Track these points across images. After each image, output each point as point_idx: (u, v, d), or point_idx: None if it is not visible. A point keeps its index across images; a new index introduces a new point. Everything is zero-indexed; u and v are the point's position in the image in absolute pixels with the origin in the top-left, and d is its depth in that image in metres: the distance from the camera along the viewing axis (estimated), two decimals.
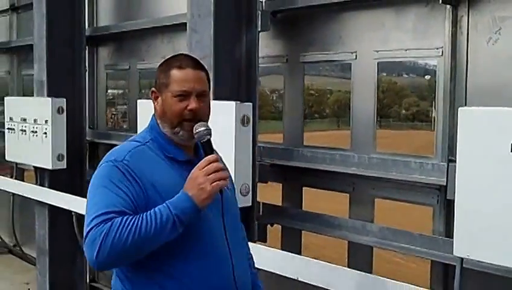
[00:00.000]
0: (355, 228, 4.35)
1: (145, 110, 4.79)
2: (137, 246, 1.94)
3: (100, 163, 2.16)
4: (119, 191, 2.02)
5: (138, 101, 4.90)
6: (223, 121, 4.08)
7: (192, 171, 2.08)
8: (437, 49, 3.89)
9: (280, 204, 4.97)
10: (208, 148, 2.15)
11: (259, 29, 4.56)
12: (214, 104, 4.11)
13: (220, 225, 2.19)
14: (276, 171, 4.79)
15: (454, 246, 2.95)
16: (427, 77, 4.17)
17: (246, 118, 4.09)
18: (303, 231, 4.81)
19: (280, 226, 4.92)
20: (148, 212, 1.98)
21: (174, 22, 5.54)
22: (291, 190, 4.92)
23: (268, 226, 4.83)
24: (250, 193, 4.22)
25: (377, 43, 4.21)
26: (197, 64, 2.25)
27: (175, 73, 2.18)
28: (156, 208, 1.99)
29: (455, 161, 3.74)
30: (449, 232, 3.91)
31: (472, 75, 3.74)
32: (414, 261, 4.49)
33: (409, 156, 4.11)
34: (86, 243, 1.97)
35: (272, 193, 5.05)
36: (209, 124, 4.21)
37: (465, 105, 3.76)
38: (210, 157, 2.09)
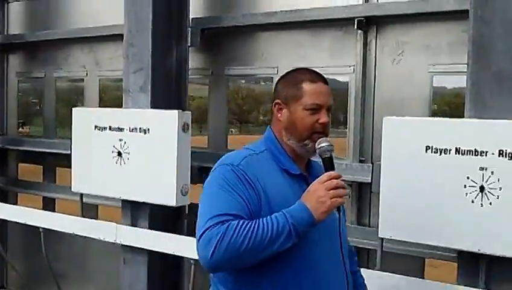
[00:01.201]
0: None
1: (80, 118, 5.12)
2: (251, 251, 1.93)
3: (215, 166, 2.16)
4: (234, 195, 2.02)
5: (74, 109, 5.16)
6: (166, 127, 4.53)
7: (313, 183, 2.07)
8: (349, 67, 4.61)
9: None
10: (329, 164, 2.15)
11: (189, 44, 5.05)
12: (157, 112, 4.62)
13: (337, 242, 2.24)
14: (202, 173, 5.26)
15: (379, 229, 3.65)
16: None
17: (186, 125, 4.55)
18: None
19: None
20: (264, 218, 1.98)
21: (100, 34, 5.84)
22: None
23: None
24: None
25: (297, 60, 4.86)
26: (324, 79, 2.26)
27: (309, 86, 2.19)
28: (273, 216, 1.99)
29: (365, 161, 4.52)
30: (360, 221, 4.66)
31: (379, 90, 4.50)
32: None
33: None
34: (200, 242, 1.96)
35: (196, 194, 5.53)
36: (152, 130, 4.66)
37: (373, 115, 4.52)
38: (332, 173, 2.08)
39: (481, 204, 3.29)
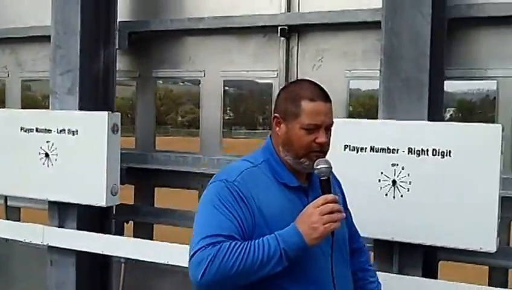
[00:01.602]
0: None
1: (5, 119, 5.11)
2: (242, 273, 1.92)
3: (211, 181, 2.14)
4: (228, 214, 2.00)
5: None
6: (95, 129, 4.64)
7: (308, 207, 2.04)
8: (273, 72, 4.90)
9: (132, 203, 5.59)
10: (326, 187, 2.10)
11: (117, 47, 5.17)
12: (86, 114, 4.71)
13: (328, 264, 2.19)
14: (129, 174, 5.39)
15: None
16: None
17: (115, 126, 4.68)
18: (163, 226, 5.49)
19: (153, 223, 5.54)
20: (256, 241, 1.96)
21: (23, 35, 5.82)
22: (144, 190, 5.56)
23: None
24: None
25: (224, 65, 5.10)
26: (326, 96, 2.19)
27: (308, 105, 2.12)
28: (265, 238, 1.96)
29: None
30: None
31: None
32: None
33: None
34: (191, 262, 1.95)
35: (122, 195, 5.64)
36: (81, 131, 4.73)
37: None
38: (328, 196, 2.04)
39: (393, 196, 3.67)
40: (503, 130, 3.54)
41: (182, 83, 5.71)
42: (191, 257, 1.96)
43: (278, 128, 2.20)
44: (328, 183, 2.11)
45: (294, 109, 2.14)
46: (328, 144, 2.17)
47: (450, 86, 4.62)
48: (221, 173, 2.16)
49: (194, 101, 5.41)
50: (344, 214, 2.06)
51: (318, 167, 2.12)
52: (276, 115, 2.21)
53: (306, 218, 2.00)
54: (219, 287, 1.97)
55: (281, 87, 4.80)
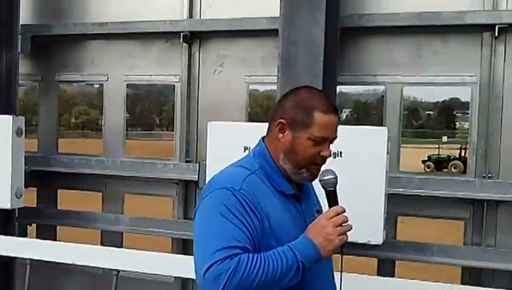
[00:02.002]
0: (109, 219, 5.22)
1: None
2: (261, 287, 1.86)
3: (209, 188, 2.02)
4: (239, 223, 1.91)
5: None
6: (0, 132, 4.58)
7: (319, 218, 2.01)
8: (175, 76, 5.03)
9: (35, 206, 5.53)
10: (334, 198, 2.06)
11: (19, 51, 5.11)
12: None
13: (329, 270, 2.19)
14: (32, 177, 5.33)
15: None
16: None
17: (19, 130, 4.63)
18: (65, 228, 5.46)
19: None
20: (272, 253, 1.90)
21: None
22: (47, 193, 5.52)
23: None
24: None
25: (127, 69, 5.17)
26: (336, 110, 2.10)
27: (321, 116, 2.04)
28: (280, 251, 1.91)
29: (191, 161, 4.96)
30: (186, 216, 5.09)
31: (203, 97, 4.99)
32: (159, 239, 5.52)
33: (155, 159, 5.17)
34: (207, 276, 1.84)
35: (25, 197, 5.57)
36: None
37: (197, 119, 4.99)
38: (339, 208, 2.01)
39: None
40: (389, 132, 3.87)
41: (75, 84, 5.68)
42: (207, 269, 1.83)
43: (281, 135, 2.08)
44: (335, 195, 2.07)
45: (306, 119, 2.04)
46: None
47: (345, 87, 4.93)
48: (221, 181, 2.02)
49: (87, 101, 5.43)
50: (352, 225, 2.02)
51: (325, 178, 2.07)
52: (282, 121, 2.07)
53: (320, 230, 1.96)
54: None
55: (183, 92, 5.07)
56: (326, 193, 2.06)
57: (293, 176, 2.09)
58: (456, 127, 5.30)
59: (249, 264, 1.83)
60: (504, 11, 4.20)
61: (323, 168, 2.08)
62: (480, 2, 4.27)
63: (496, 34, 4.15)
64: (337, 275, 2.20)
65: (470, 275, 4.33)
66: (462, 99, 4.65)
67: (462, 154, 5.15)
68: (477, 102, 4.29)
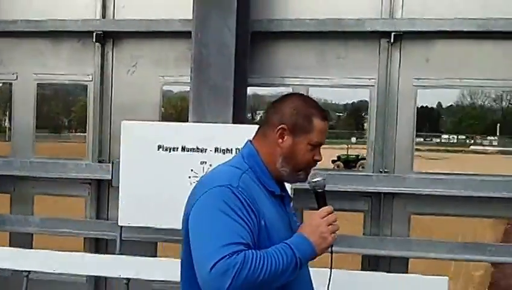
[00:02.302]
0: (19, 221, 5.15)
1: None
2: (266, 282, 1.92)
3: (204, 187, 2.04)
4: (240, 220, 1.95)
5: None
6: None
7: (312, 218, 2.10)
8: (88, 75, 5.06)
9: None
10: (323, 198, 2.18)
11: None
12: None
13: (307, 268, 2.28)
14: None
15: (119, 218, 4.20)
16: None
17: None
18: None
19: None
20: (272, 250, 1.97)
21: None
22: None
23: None
24: None
25: (37, 68, 5.13)
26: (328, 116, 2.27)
27: (319, 123, 2.17)
28: (280, 248, 1.98)
29: (104, 161, 5.01)
30: (99, 216, 5.13)
31: (116, 97, 5.05)
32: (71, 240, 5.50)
33: (66, 159, 5.17)
34: (214, 272, 1.86)
35: None
36: None
37: (110, 118, 5.05)
38: (330, 208, 2.12)
39: None
40: None
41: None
42: (213, 265, 1.86)
43: (281, 140, 2.15)
44: (324, 195, 2.20)
45: (307, 125, 2.15)
46: None
47: (259, 89, 5.14)
48: (218, 179, 2.06)
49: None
50: (338, 225, 2.14)
51: (315, 180, 2.19)
52: (283, 126, 2.14)
53: (315, 228, 2.07)
54: None
55: (96, 91, 5.09)
56: (315, 194, 2.18)
57: (288, 178, 2.20)
58: (365, 128, 5.54)
59: (254, 260, 1.87)
60: (399, 19, 4.58)
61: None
62: (378, 10, 4.62)
63: (392, 41, 4.51)
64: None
65: (369, 262, 4.67)
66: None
67: None
68: (375, 103, 4.64)
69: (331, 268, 2.24)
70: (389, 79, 4.59)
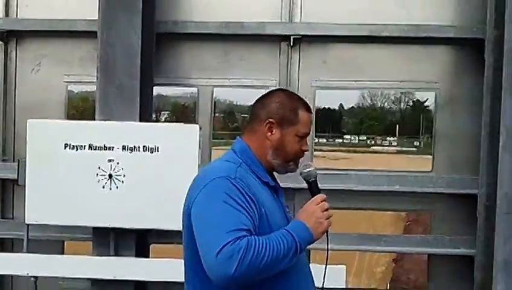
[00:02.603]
0: None
1: None
2: (269, 266, 2.01)
3: (203, 180, 2.12)
4: (241, 209, 2.04)
5: None
6: None
7: (308, 204, 2.19)
8: None
9: None
10: (316, 187, 2.27)
11: None
12: None
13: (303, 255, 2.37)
14: None
15: (25, 217, 4.21)
16: None
17: None
18: None
19: None
20: (274, 236, 2.07)
21: None
22: None
23: None
24: None
25: None
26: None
27: (304, 115, 2.31)
28: (280, 234, 2.08)
29: (8, 160, 4.96)
30: (4, 215, 5.06)
31: (20, 95, 5.01)
32: None
33: None
34: (220, 257, 1.93)
35: None
36: None
37: (15, 117, 5.01)
38: (322, 196, 2.22)
39: (110, 188, 4.16)
40: (200, 129, 4.31)
41: None
42: (219, 251, 1.94)
43: (270, 134, 2.29)
44: (317, 184, 2.30)
45: (294, 117, 2.29)
46: None
47: (164, 90, 5.23)
48: (215, 171, 2.17)
49: None
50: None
51: (307, 170, 2.30)
52: (271, 120, 2.28)
53: (310, 214, 2.17)
54: (250, 279, 2.01)
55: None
56: (308, 184, 2.29)
57: (279, 169, 2.30)
58: None
59: (258, 245, 1.95)
60: (298, 23, 4.85)
61: (301, 162, 2.31)
62: (279, 14, 4.88)
63: (292, 44, 4.79)
64: None
65: None
66: None
67: None
68: None
69: (327, 251, 2.36)
70: (289, 80, 4.85)
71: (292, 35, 4.76)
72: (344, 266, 3.91)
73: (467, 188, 4.68)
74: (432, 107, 5.30)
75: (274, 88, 4.87)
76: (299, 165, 2.30)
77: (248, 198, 2.07)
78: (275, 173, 2.32)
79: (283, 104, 2.30)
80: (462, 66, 4.62)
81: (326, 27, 4.77)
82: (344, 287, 3.98)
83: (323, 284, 2.34)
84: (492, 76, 4.18)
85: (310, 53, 4.88)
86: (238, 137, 2.36)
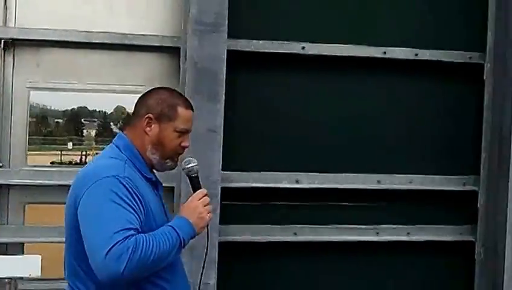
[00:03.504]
0: None
1: None
2: (155, 262, 2.09)
3: (91, 178, 2.13)
4: (129, 208, 2.09)
5: None
6: None
7: (190, 200, 2.31)
8: None
9: None
10: (197, 182, 2.38)
11: None
12: None
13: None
14: None
15: None
16: None
17: None
18: None
19: None
20: (158, 233, 2.14)
21: None
22: None
23: None
24: None
25: None
26: (192, 106, 2.47)
27: (182, 111, 2.37)
28: (165, 230, 2.16)
29: None
30: None
31: None
32: None
33: None
34: (109, 257, 1.97)
35: None
36: None
37: None
38: (204, 190, 2.34)
39: None
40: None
41: None
42: (108, 251, 1.98)
43: (148, 129, 2.35)
44: (198, 180, 2.41)
45: (171, 113, 2.35)
46: None
47: None
48: (102, 170, 2.18)
49: None
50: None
51: (189, 165, 2.42)
52: (149, 115, 2.35)
53: (193, 210, 2.28)
54: (136, 277, 2.08)
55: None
56: (190, 179, 2.43)
57: (158, 166, 2.40)
58: (84, 134, 5.63)
59: (145, 242, 2.03)
60: (12, 28, 4.98)
61: (181, 158, 2.43)
62: None
63: (4, 47, 4.89)
64: None
65: None
66: (90, 108, 5.34)
67: (83, 159, 5.73)
68: None
69: (207, 243, 2.50)
70: (3, 82, 4.95)
71: (4, 38, 4.89)
72: (39, 256, 4.13)
73: None
74: None
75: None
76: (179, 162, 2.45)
77: (135, 196, 2.17)
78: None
79: (163, 100, 2.40)
80: (164, 72, 5.18)
81: (40, 32, 4.99)
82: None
83: (201, 275, 2.58)
84: (184, 80, 4.73)
85: (24, 56, 5.03)
86: (119, 132, 2.45)
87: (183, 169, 2.48)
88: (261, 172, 4.23)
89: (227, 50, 4.17)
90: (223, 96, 3.91)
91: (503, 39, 4.68)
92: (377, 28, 4.75)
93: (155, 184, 2.45)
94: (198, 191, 2.41)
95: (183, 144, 2.43)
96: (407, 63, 4.78)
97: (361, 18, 4.72)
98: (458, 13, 4.91)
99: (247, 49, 4.43)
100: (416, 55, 4.77)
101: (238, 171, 4.17)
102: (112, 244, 2.02)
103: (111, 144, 2.44)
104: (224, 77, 3.98)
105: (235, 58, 4.27)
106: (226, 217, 4.11)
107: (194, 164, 2.47)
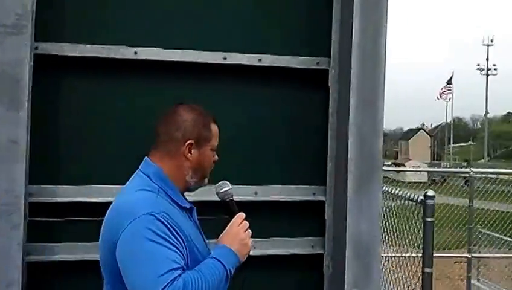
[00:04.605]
0: None
1: None
2: None
3: (128, 216, 2.06)
4: (170, 246, 2.07)
5: None
6: None
7: (230, 226, 2.26)
8: None
9: None
10: (233, 206, 2.33)
11: None
12: None
13: None
14: None
15: None
16: None
17: None
18: None
19: None
20: (205, 267, 2.10)
21: None
22: None
23: None
24: None
25: None
26: None
27: (214, 127, 2.36)
28: (210, 264, 2.14)
29: None
30: None
31: None
32: None
33: None
34: None
35: None
36: None
37: None
38: (242, 214, 2.29)
39: None
40: None
41: None
42: None
43: (190, 154, 2.32)
44: (234, 203, 2.39)
45: (208, 134, 2.35)
46: None
47: None
48: (137, 207, 2.11)
49: None
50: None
51: (223, 190, 2.38)
52: (190, 142, 2.31)
53: (234, 236, 2.27)
54: None
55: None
56: (225, 203, 2.38)
57: (194, 188, 2.36)
58: None
59: (194, 281, 2.04)
60: None
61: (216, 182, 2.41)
62: None
63: None
64: None
65: None
66: None
67: None
68: None
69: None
70: None
71: None
72: None
73: None
74: None
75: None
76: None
77: (175, 232, 2.13)
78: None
79: (196, 122, 2.36)
80: None
81: None
82: None
83: None
84: None
85: None
86: (146, 158, 2.32)
87: (217, 193, 2.46)
88: (73, 186, 3.89)
89: (38, 54, 3.82)
90: (26, 103, 3.58)
91: (349, 45, 4.50)
92: (218, 33, 4.48)
93: (190, 210, 2.43)
94: (236, 216, 2.39)
95: (215, 159, 2.47)
96: (251, 69, 4.55)
97: (201, 22, 4.45)
98: (306, 16, 4.71)
99: (70, 54, 4.07)
100: (260, 60, 4.53)
101: (48, 185, 3.83)
102: (162, 287, 2.01)
103: (138, 171, 2.32)
104: (29, 83, 3.64)
105: (48, 64, 3.93)
106: (33, 235, 3.77)
107: (229, 187, 2.47)
